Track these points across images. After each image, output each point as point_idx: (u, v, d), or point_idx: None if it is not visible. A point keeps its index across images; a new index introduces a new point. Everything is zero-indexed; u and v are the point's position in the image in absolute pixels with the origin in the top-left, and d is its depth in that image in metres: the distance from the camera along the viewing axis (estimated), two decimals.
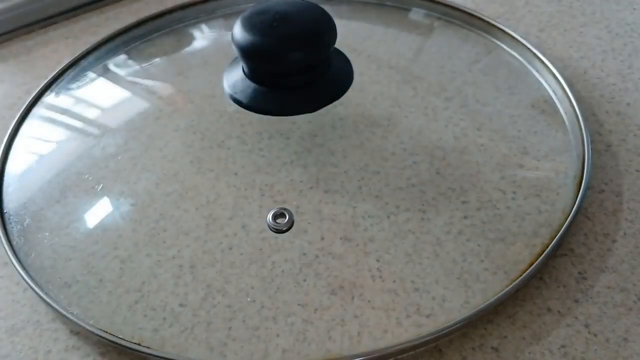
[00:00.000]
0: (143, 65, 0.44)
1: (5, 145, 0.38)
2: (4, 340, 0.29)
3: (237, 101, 0.35)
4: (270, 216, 0.32)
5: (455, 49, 0.43)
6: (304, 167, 0.34)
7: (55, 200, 0.34)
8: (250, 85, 0.35)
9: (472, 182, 0.33)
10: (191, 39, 0.47)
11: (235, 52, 0.34)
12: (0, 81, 0.46)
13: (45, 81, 0.42)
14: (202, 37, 0.47)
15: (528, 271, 0.29)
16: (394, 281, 0.29)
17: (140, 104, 0.41)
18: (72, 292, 0.30)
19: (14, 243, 0.32)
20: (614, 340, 0.28)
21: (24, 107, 0.40)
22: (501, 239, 0.31)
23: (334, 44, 0.35)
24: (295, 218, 0.32)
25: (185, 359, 0.27)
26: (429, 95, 0.39)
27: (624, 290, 0.30)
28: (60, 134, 0.39)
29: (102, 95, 0.41)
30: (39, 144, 0.39)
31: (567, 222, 0.31)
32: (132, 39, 0.45)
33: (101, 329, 0.28)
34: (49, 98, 0.41)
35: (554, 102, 0.38)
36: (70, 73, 0.43)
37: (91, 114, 0.40)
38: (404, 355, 0.27)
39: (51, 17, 0.51)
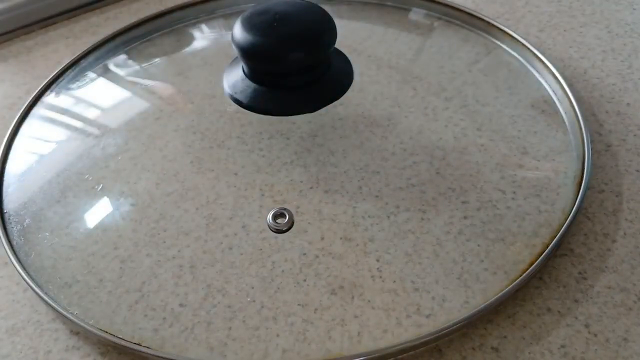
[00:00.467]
0: (143, 65, 0.44)
1: (5, 145, 0.38)
2: (4, 340, 0.29)
3: (237, 101, 0.35)
4: (270, 216, 0.32)
5: (455, 49, 0.43)
6: (304, 167, 0.34)
7: (55, 200, 0.34)
8: (250, 85, 0.35)
9: (472, 182, 0.33)
10: (191, 39, 0.47)
11: (235, 52, 0.34)
12: (1, 81, 0.46)
13: (45, 81, 0.42)
14: (202, 37, 0.47)
15: (528, 271, 0.29)
16: (394, 281, 0.29)
17: (140, 104, 0.41)
18: (72, 292, 0.30)
19: (14, 243, 0.32)
20: (614, 340, 0.28)
21: (24, 107, 0.40)
22: (501, 239, 0.31)
23: (334, 44, 0.35)
24: (295, 218, 0.32)
25: (185, 359, 0.27)
26: (429, 95, 0.39)
27: (624, 290, 0.30)
28: (60, 134, 0.39)
29: (102, 95, 0.41)
30: (39, 144, 0.39)
31: (567, 222, 0.31)
32: (132, 39, 0.45)
33: (101, 329, 0.28)
34: (49, 98, 0.41)
35: (554, 102, 0.38)
36: (70, 73, 0.43)
37: (91, 114, 0.40)
38: (404, 355, 0.27)
39: (51, 17, 0.51)
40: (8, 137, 0.38)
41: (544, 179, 0.34)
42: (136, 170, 0.35)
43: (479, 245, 0.30)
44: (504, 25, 0.43)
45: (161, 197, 0.34)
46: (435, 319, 0.28)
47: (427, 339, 0.27)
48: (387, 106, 0.38)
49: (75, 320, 0.29)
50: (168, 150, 0.36)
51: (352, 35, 0.44)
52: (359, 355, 0.27)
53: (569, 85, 0.38)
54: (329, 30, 0.34)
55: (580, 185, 0.32)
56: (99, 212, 0.34)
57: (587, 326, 0.28)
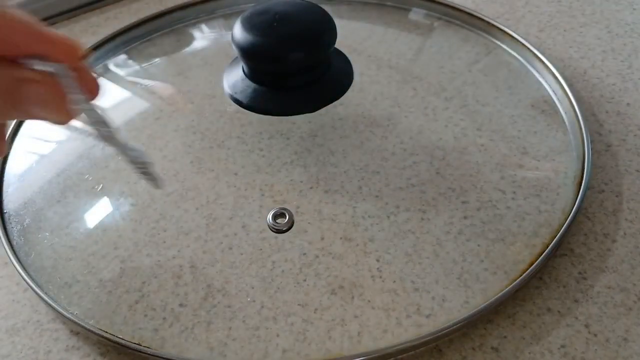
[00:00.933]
0: (143, 65, 0.44)
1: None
2: (4, 340, 0.29)
3: (237, 101, 0.35)
4: (270, 216, 0.32)
5: (455, 49, 0.43)
6: (304, 167, 0.34)
7: (55, 200, 0.34)
8: (250, 85, 0.35)
9: (472, 182, 0.33)
10: (191, 39, 0.47)
11: (235, 52, 0.34)
12: None
13: None
14: (202, 37, 0.47)
15: (528, 271, 0.29)
16: (394, 281, 0.29)
17: (140, 104, 0.41)
18: (72, 292, 0.30)
19: (14, 243, 0.32)
20: (614, 340, 0.28)
21: None
22: (501, 239, 0.31)
23: (334, 44, 0.35)
24: (295, 218, 0.32)
25: (185, 359, 0.27)
26: (429, 95, 0.39)
27: (624, 290, 0.30)
28: (60, 134, 0.39)
29: (102, 95, 0.41)
30: (39, 144, 0.39)
31: (567, 222, 0.31)
32: (132, 39, 0.45)
33: (101, 329, 0.28)
34: None
35: (554, 102, 0.38)
36: None
37: None
38: (404, 355, 0.27)
39: (51, 17, 0.51)
40: (8, 137, 0.38)
41: (544, 179, 0.34)
42: None
43: (479, 245, 0.30)
44: (504, 25, 0.43)
45: (161, 197, 0.34)
46: (435, 319, 0.28)
47: (427, 339, 0.27)
48: (387, 106, 0.38)
49: (75, 320, 0.29)
50: (168, 150, 0.36)
51: (352, 35, 0.44)
52: (359, 355, 0.27)
53: (569, 85, 0.38)
54: (329, 30, 0.34)
55: (580, 185, 0.32)
56: (99, 212, 0.34)
57: (587, 326, 0.28)
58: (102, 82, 0.20)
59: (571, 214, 0.31)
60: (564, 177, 0.34)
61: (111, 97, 0.41)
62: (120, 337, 0.28)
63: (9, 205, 0.34)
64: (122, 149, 0.22)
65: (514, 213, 0.32)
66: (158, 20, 0.46)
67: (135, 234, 0.32)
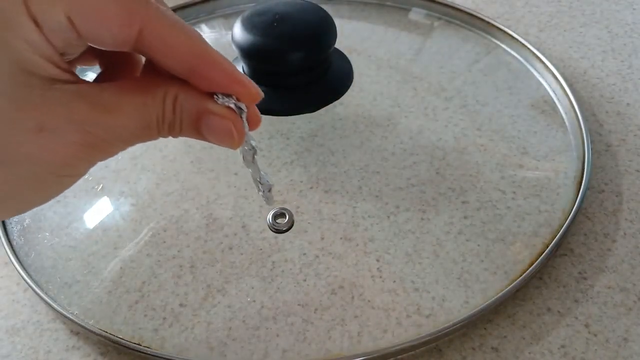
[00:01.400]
0: None
1: None
2: (4, 340, 0.29)
3: None
4: (270, 216, 0.32)
5: (455, 49, 0.43)
6: (304, 167, 0.34)
7: (56, 200, 0.34)
8: None
9: (472, 182, 0.33)
10: None
11: (235, 52, 0.34)
12: None
13: None
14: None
15: (528, 271, 0.29)
16: (394, 281, 0.29)
17: None
18: (72, 292, 0.30)
19: (14, 243, 0.32)
20: (614, 340, 0.28)
21: None
22: (501, 239, 0.31)
23: (334, 44, 0.35)
24: (295, 218, 0.32)
25: (185, 359, 0.27)
26: (429, 95, 0.39)
27: (624, 290, 0.30)
28: None
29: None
30: None
31: (567, 222, 0.31)
32: None
33: (101, 329, 0.28)
34: None
35: (554, 102, 0.38)
36: None
37: None
38: (404, 355, 0.27)
39: None
40: None
41: (544, 179, 0.34)
42: (136, 170, 0.35)
43: (479, 245, 0.30)
44: (504, 25, 0.43)
45: (161, 197, 0.33)
46: (435, 319, 0.28)
47: (427, 339, 0.27)
48: (387, 106, 0.38)
49: (75, 320, 0.29)
50: (168, 150, 0.36)
51: (352, 35, 0.44)
52: (359, 355, 0.27)
53: (569, 85, 0.38)
54: (329, 30, 0.34)
55: (580, 185, 0.32)
56: (99, 212, 0.34)
57: (587, 326, 0.28)
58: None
59: (571, 214, 0.31)
60: (564, 177, 0.34)
61: None
62: (120, 337, 0.28)
63: None
64: (257, 170, 0.25)
65: (514, 213, 0.32)
66: None
67: (135, 234, 0.32)
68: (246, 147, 0.23)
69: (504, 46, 0.43)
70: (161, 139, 0.22)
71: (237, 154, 0.24)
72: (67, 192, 0.34)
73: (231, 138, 0.22)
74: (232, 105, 0.21)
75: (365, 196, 0.33)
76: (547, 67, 0.40)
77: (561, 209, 0.32)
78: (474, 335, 0.28)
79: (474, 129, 0.36)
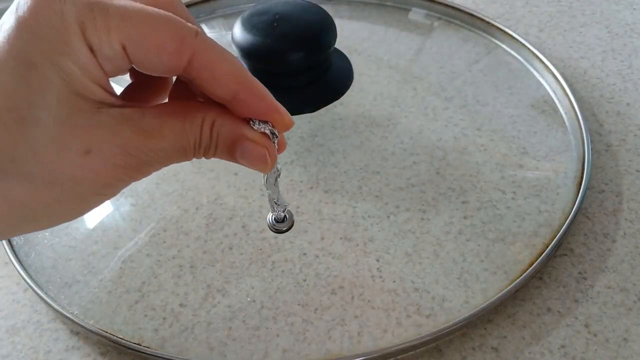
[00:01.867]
0: None
1: None
2: (4, 340, 0.29)
3: None
4: (270, 216, 0.32)
5: (455, 49, 0.43)
6: (304, 167, 0.34)
7: None
8: None
9: (472, 182, 0.33)
10: None
11: (235, 52, 0.34)
12: None
13: None
14: None
15: (528, 271, 0.29)
16: (394, 281, 0.29)
17: None
18: (72, 292, 0.30)
19: (14, 243, 0.32)
20: (614, 340, 0.28)
21: None
22: (501, 239, 0.31)
23: (334, 44, 0.35)
24: (295, 218, 0.32)
25: (185, 359, 0.27)
26: (429, 95, 0.39)
27: (624, 290, 0.30)
28: None
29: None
30: None
31: (567, 222, 0.31)
32: None
33: (101, 329, 0.28)
34: None
35: (554, 102, 0.38)
36: None
37: None
38: (404, 355, 0.27)
39: None
40: None
41: (544, 179, 0.34)
42: None
43: (479, 245, 0.30)
44: (504, 25, 0.43)
45: (161, 197, 0.34)
46: (435, 319, 0.28)
47: (427, 339, 0.27)
48: (387, 106, 0.38)
49: (75, 320, 0.29)
50: None
51: (352, 35, 0.44)
52: (359, 355, 0.27)
53: (569, 85, 0.38)
54: (329, 30, 0.34)
55: (580, 185, 0.32)
56: (99, 212, 0.34)
57: (587, 326, 0.28)
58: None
59: (571, 214, 0.31)
60: (564, 177, 0.34)
61: None
62: (120, 337, 0.28)
63: None
64: (277, 192, 0.26)
65: (514, 213, 0.32)
66: None
67: (135, 234, 0.32)
68: (272, 170, 0.24)
69: (504, 46, 0.43)
70: None
71: None
72: None
73: (265, 163, 0.23)
74: (267, 131, 0.22)
75: (365, 196, 0.33)
76: (547, 67, 0.40)
77: (561, 209, 0.32)
78: (474, 335, 0.28)
79: (474, 129, 0.36)
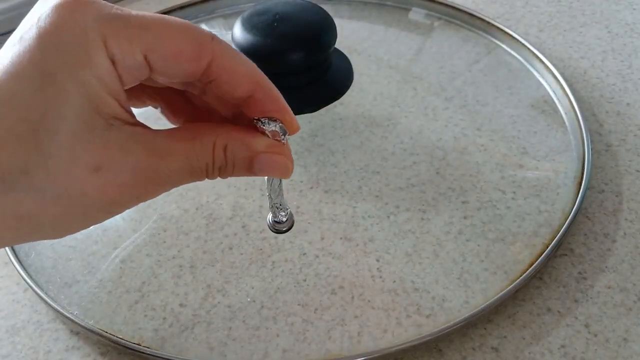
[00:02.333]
0: None
1: None
2: (4, 340, 0.29)
3: None
4: (270, 216, 0.32)
5: (455, 49, 0.43)
6: (304, 167, 0.34)
7: None
8: None
9: (472, 182, 0.33)
10: None
11: None
12: None
13: None
14: None
15: (528, 271, 0.29)
16: (394, 281, 0.29)
17: None
18: (72, 292, 0.30)
19: None
20: (614, 340, 0.28)
21: None
22: (501, 239, 0.31)
23: (334, 44, 0.35)
24: (295, 218, 0.32)
25: (185, 359, 0.27)
26: (429, 95, 0.39)
27: (624, 290, 0.30)
28: None
29: None
30: None
31: (567, 222, 0.31)
32: None
33: (101, 329, 0.28)
34: None
35: (554, 102, 0.38)
36: None
37: None
38: (404, 355, 0.27)
39: None
40: None
41: (544, 179, 0.34)
42: None
43: (479, 245, 0.30)
44: (504, 25, 0.43)
45: (161, 197, 0.33)
46: (435, 319, 0.28)
47: (427, 339, 0.27)
48: (387, 106, 0.38)
49: (75, 320, 0.29)
50: None
51: (352, 35, 0.44)
52: (359, 355, 0.27)
53: (569, 85, 0.38)
54: (329, 30, 0.34)
55: (580, 185, 0.32)
56: None
57: (587, 326, 0.28)
58: None
59: (571, 214, 0.31)
60: (564, 177, 0.34)
61: None
62: (120, 337, 0.28)
63: None
64: (281, 196, 0.25)
65: (514, 213, 0.32)
66: None
67: (135, 234, 0.32)
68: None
69: (504, 46, 0.43)
70: None
71: None
72: None
73: (285, 168, 0.23)
74: (278, 129, 0.22)
75: (365, 196, 0.33)
76: (547, 67, 0.40)
77: (561, 209, 0.32)
78: (474, 335, 0.28)
79: (474, 129, 0.36)
